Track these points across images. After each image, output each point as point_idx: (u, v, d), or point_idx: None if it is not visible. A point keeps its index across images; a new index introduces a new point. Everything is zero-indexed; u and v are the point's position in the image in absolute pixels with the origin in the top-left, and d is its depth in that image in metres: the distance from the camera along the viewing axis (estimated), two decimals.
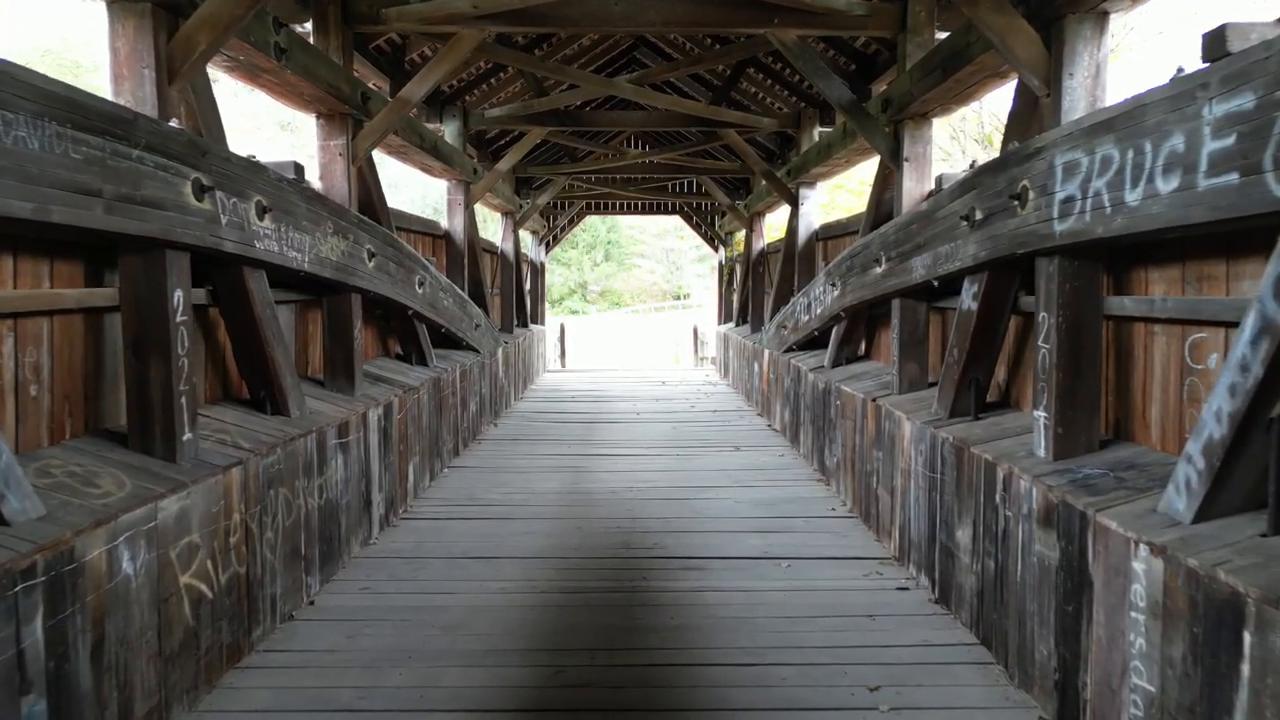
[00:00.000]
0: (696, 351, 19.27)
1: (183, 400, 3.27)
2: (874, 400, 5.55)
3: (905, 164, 5.40)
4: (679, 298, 53.33)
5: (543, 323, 17.42)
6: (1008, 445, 3.83)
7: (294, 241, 4.26)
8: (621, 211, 18.11)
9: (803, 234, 8.95)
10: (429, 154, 7.17)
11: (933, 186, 5.45)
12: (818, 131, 8.84)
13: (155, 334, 3.20)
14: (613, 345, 25.71)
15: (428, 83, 5.42)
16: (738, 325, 14.41)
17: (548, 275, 55.52)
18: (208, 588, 3.24)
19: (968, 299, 4.27)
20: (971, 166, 4.53)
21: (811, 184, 8.88)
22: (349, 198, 5.31)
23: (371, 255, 5.42)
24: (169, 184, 3.14)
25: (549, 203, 16.96)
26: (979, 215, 3.93)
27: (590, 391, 13.05)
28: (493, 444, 8.55)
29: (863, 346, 7.36)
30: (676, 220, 54.57)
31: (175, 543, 3.01)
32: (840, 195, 18.64)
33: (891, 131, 5.53)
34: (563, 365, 18.58)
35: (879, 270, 5.59)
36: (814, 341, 8.31)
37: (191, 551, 3.12)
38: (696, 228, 18.06)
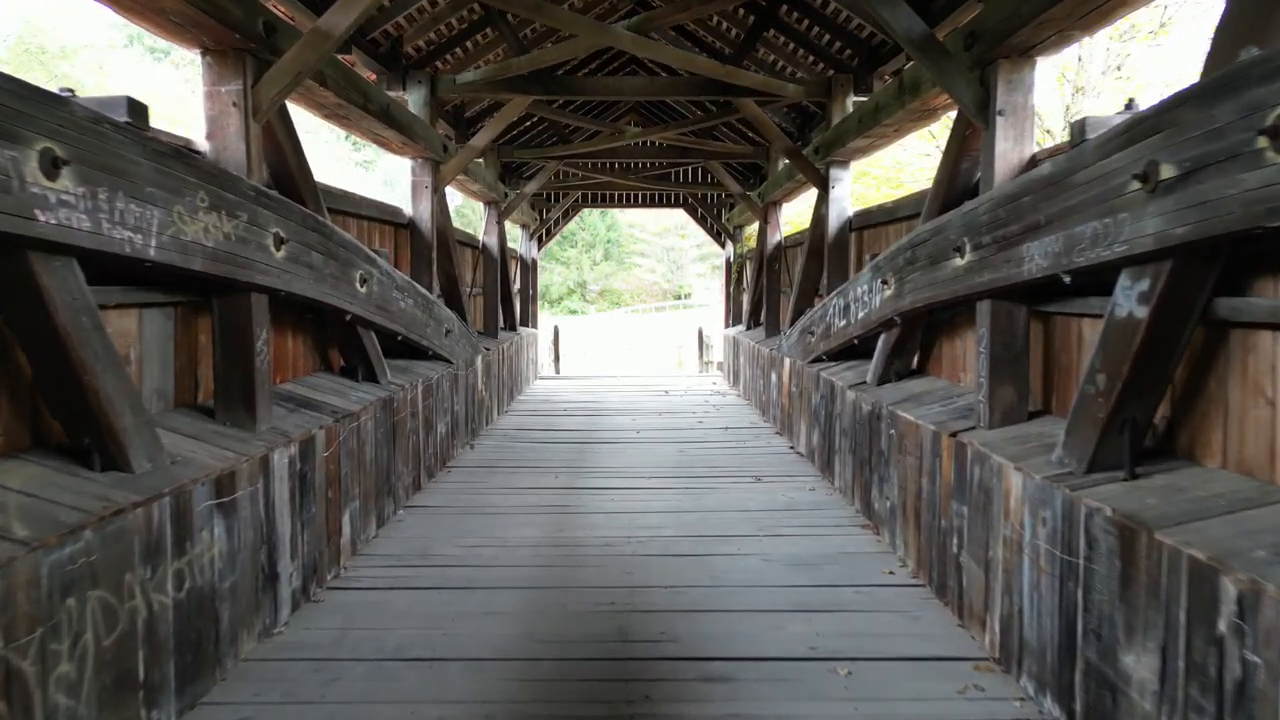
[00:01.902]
0: (702, 356, 17.87)
1: None
2: (953, 435, 4.16)
3: (999, 119, 4.01)
4: (680, 297, 52.08)
5: (535, 325, 16.02)
6: (1219, 532, 2.44)
7: (128, 216, 2.86)
8: (620, 204, 16.71)
9: (833, 223, 7.55)
10: (379, 120, 5.77)
11: (1035, 150, 4.06)
12: (851, 101, 7.45)
13: None
14: (612, 348, 24.30)
15: (357, 7, 4.02)
16: (749, 329, 13.01)
17: (546, 274, 54.17)
18: None
19: (1128, 301, 2.88)
20: (1128, 107, 3.14)
21: (844, 163, 7.48)
22: (247, 163, 3.91)
23: (281, 242, 4.02)
24: None
25: (540, 193, 15.57)
26: (1169, 173, 2.53)
27: (585, 403, 11.66)
28: (465, 473, 7.15)
29: (915, 359, 5.96)
30: (677, 219, 53.36)
31: None
32: (860, 185, 17.18)
33: (978, 76, 4.14)
34: (556, 371, 17.18)
35: (960, 262, 4.19)
36: (849, 350, 6.92)
37: None
38: (702, 221, 16.66)
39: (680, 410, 10.97)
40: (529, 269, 15.22)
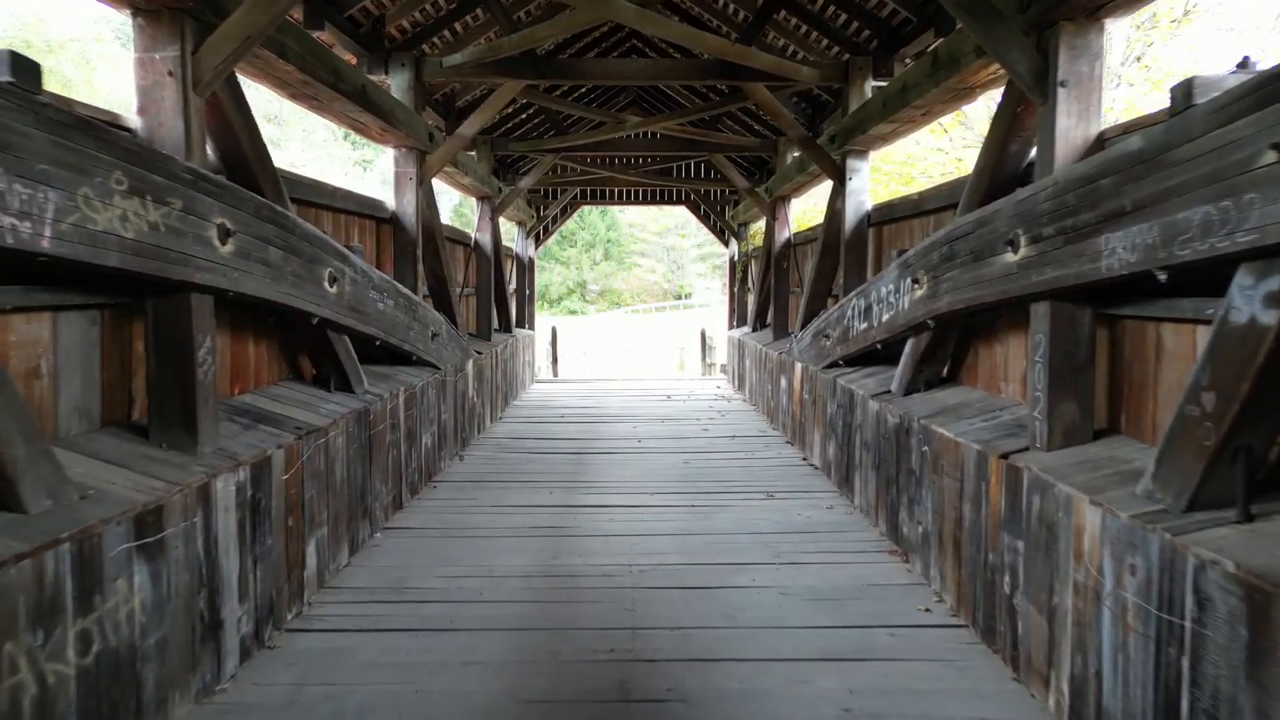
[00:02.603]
0: (705, 358, 17.30)
1: None
2: (1004, 458, 3.61)
3: (1060, 91, 3.45)
4: (681, 298, 51.57)
5: (532, 326, 15.47)
6: None
7: (10, 198, 2.31)
8: (619, 201, 16.13)
9: (850, 217, 7.00)
10: (353, 102, 5.21)
11: (1104, 129, 3.50)
12: (870, 86, 6.89)
13: None
14: (612, 349, 23.74)
15: None
16: (754, 330, 12.46)
17: (545, 274, 53.71)
18: None
19: (1249, 304, 2.32)
20: (1242, 65, 2.58)
21: (863, 152, 6.93)
22: (186, 142, 3.36)
23: (227, 234, 3.47)
24: None
25: (537, 189, 15.02)
26: None
27: (583, 409, 11.10)
28: (452, 489, 6.59)
29: (945, 367, 5.40)
30: (678, 218, 52.71)
31: None
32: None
33: (1034, 41, 3.58)
34: (554, 374, 16.63)
35: (1012, 258, 3.64)
36: (869, 356, 6.37)
37: None
38: (705, 219, 16.09)
39: (684, 416, 10.42)
40: (525, 268, 14.66)
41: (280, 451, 3.89)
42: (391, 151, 6.85)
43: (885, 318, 5.46)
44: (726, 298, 24.78)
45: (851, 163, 6.97)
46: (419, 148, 6.78)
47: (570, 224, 51.62)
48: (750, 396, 11.65)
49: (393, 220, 6.82)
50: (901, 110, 5.38)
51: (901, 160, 15.60)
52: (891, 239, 6.71)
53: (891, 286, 5.33)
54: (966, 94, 4.88)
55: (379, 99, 5.68)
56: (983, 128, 16.57)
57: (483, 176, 9.46)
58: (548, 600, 4.28)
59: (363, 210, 6.27)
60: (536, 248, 15.98)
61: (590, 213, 51.89)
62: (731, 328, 15.45)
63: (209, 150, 3.87)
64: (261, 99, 40.85)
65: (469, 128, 7.04)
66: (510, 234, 14.99)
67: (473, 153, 10.47)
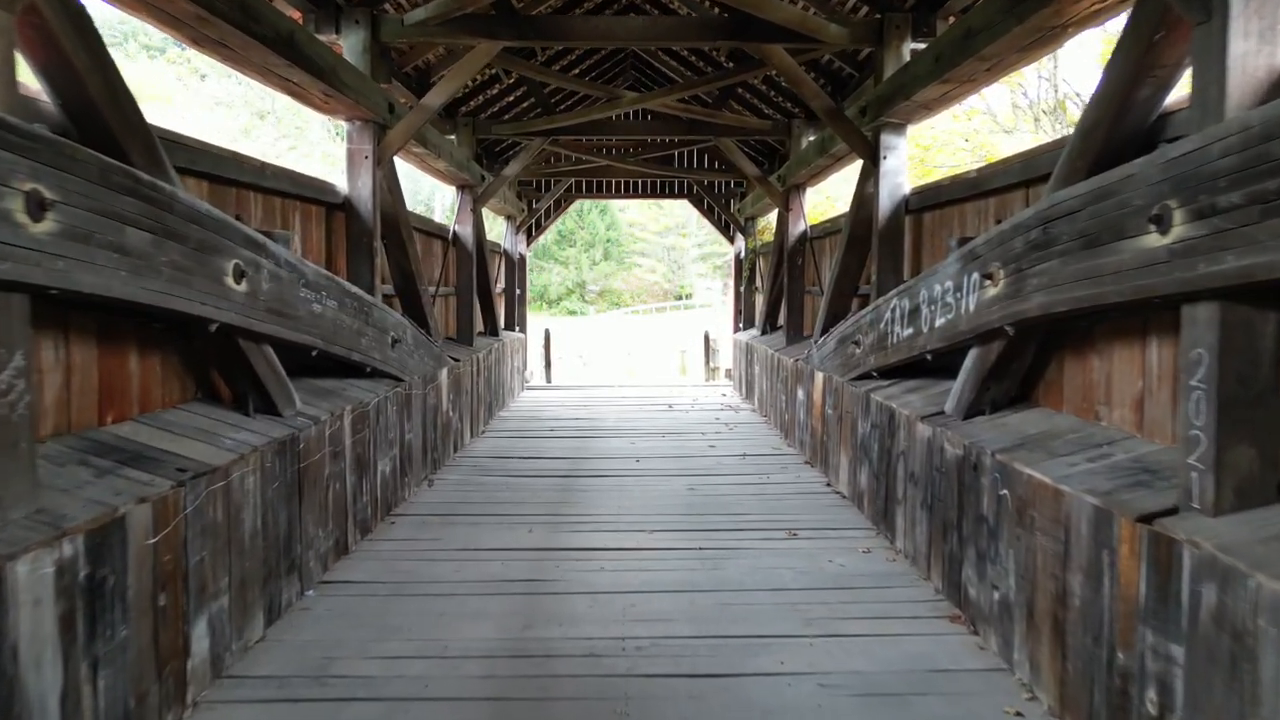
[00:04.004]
0: (708, 362, 16.25)
1: None
2: (1143, 521, 2.57)
3: (1234, 4, 2.41)
4: (681, 298, 50.59)
5: (523, 329, 14.42)
6: None
7: None
8: (617, 194, 15.09)
9: (885, 203, 5.95)
10: (279, 54, 4.15)
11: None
12: (909, 48, 5.84)
13: None
14: (611, 352, 22.67)
15: None
16: (764, 333, 11.42)
17: (544, 274, 53.03)
18: None
19: None
20: None
21: (900, 126, 5.88)
22: None
23: (42, 206, 2.43)
24: None
25: (527, 181, 13.98)
26: None
27: (576, 420, 10.05)
28: (414, 524, 5.55)
29: (1018, 384, 4.35)
30: (678, 217, 51.77)
31: None
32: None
33: None
34: (548, 380, 15.57)
35: (1158, 242, 2.59)
36: (910, 366, 5.33)
37: None
38: (708, 213, 15.03)
39: (687, 430, 9.37)
40: (516, 266, 13.60)
41: (144, 507, 2.84)
42: (344, 125, 5.81)
43: (940, 322, 4.42)
44: (731, 298, 23.73)
45: (887, 139, 5.92)
46: (376, 120, 5.73)
47: (569, 223, 50.73)
48: (760, 406, 10.60)
49: (345, 207, 5.78)
50: (963, 64, 4.31)
51: (915, 149, 14.48)
52: (936, 228, 5.67)
53: (949, 284, 4.29)
54: (1055, 36, 3.81)
55: (315, 53, 4.62)
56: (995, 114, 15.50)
57: (461, 162, 8.40)
58: (513, 697, 3.24)
59: (304, 193, 5.23)
60: (528, 244, 14.94)
61: (589, 212, 50.93)
62: (737, 330, 14.40)
63: (51, 103, 2.84)
64: (250, 92, 39.73)
65: (435, 96, 5.99)
66: (497, 228, 13.97)
67: (452, 136, 9.44)
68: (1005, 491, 3.54)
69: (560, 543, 5.14)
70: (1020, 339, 3.83)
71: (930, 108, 5.36)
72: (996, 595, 3.60)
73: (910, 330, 4.92)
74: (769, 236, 13.46)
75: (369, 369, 5.51)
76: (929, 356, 4.77)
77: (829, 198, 17.84)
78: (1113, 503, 2.78)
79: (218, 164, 4.12)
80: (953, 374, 5.08)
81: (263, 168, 4.63)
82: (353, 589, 4.37)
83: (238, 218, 4.01)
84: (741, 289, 14.25)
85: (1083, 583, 2.92)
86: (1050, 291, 3.27)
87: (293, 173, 5.07)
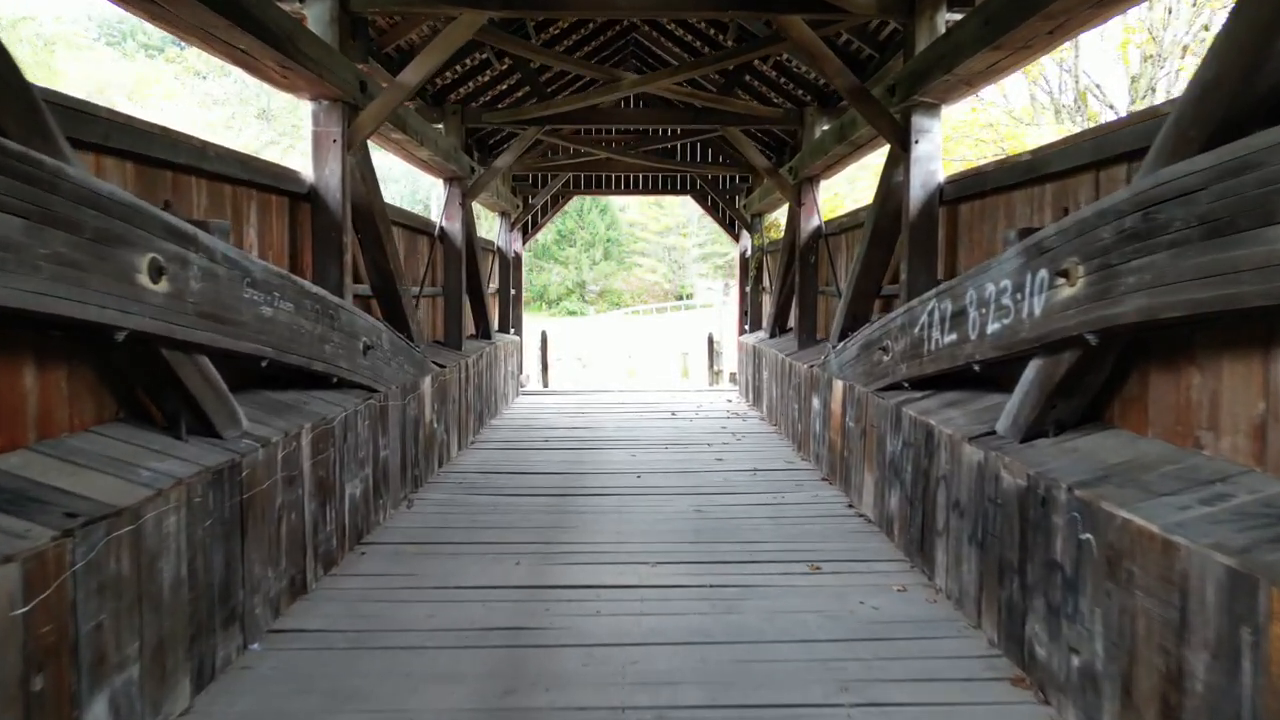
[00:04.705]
0: (712, 366, 15.60)
1: None
2: None
3: None
4: (682, 298, 49.99)
5: (519, 331, 13.79)
6: None
7: None
8: (617, 190, 14.45)
9: (917, 193, 5.32)
10: (221, 14, 3.52)
11: None
12: (945, 19, 5.21)
13: None
14: (611, 354, 22.02)
15: None
16: (772, 336, 10.78)
17: (544, 274, 52.42)
18: None
19: None
20: None
21: (934, 107, 5.24)
22: None
23: None
24: None
25: (523, 176, 13.34)
26: None
27: (573, 430, 9.41)
28: (386, 556, 4.91)
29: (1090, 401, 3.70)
30: (679, 217, 51.24)
31: None
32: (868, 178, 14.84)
33: None
34: (545, 384, 14.93)
35: None
36: (947, 377, 4.71)
37: None
38: (713, 209, 14.38)
39: (692, 440, 8.73)
40: (510, 265, 12.96)
41: (8, 569, 2.21)
42: (309, 107, 5.18)
43: (995, 328, 3.78)
44: (733, 298, 23.08)
45: (919, 121, 5.29)
46: (345, 99, 5.10)
47: (569, 223, 50.11)
48: (769, 414, 9.96)
49: (309, 196, 5.14)
50: (1022, 25, 3.65)
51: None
52: (976, 221, 5.04)
53: (1006, 284, 3.65)
54: None
55: (267, 16, 3.98)
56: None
57: (448, 151, 7.76)
58: None
59: (259, 179, 4.59)
60: (524, 242, 14.30)
61: (590, 211, 50.35)
62: (743, 332, 13.76)
63: None
64: (257, 92, 38.87)
65: (414, 72, 5.36)
66: (488, 224, 13.36)
67: (439, 125, 8.81)
68: (1088, 536, 2.91)
69: (551, 578, 4.51)
70: (1101, 349, 3.19)
71: (973, 83, 4.71)
72: (1076, 661, 2.97)
73: (953, 336, 4.28)
74: (776, 234, 12.82)
75: (335, 379, 4.87)
76: (976, 367, 4.13)
77: (837, 195, 17.20)
78: (1255, 565, 2.15)
79: (143, 141, 3.49)
80: (996, 385, 4.46)
81: (203, 148, 3.99)
82: (307, 640, 3.73)
83: (166, 205, 3.39)
84: (747, 289, 13.62)
85: (1209, 664, 2.29)
86: (1155, 293, 2.63)
87: (244, 155, 4.43)
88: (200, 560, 3.21)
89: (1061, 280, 3.17)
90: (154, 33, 43.69)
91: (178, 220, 3.19)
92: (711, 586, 4.40)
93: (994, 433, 3.92)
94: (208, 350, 3.49)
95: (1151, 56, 14.30)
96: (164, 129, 3.70)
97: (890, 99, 5.41)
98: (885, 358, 5.38)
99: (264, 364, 3.96)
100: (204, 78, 42.38)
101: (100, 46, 42.04)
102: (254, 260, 3.79)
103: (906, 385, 5.14)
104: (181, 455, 3.32)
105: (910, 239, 5.36)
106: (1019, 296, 3.55)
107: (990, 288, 3.82)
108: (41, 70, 24.72)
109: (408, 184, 43.85)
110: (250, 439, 3.75)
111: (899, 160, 5.56)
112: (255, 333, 3.79)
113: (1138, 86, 14.54)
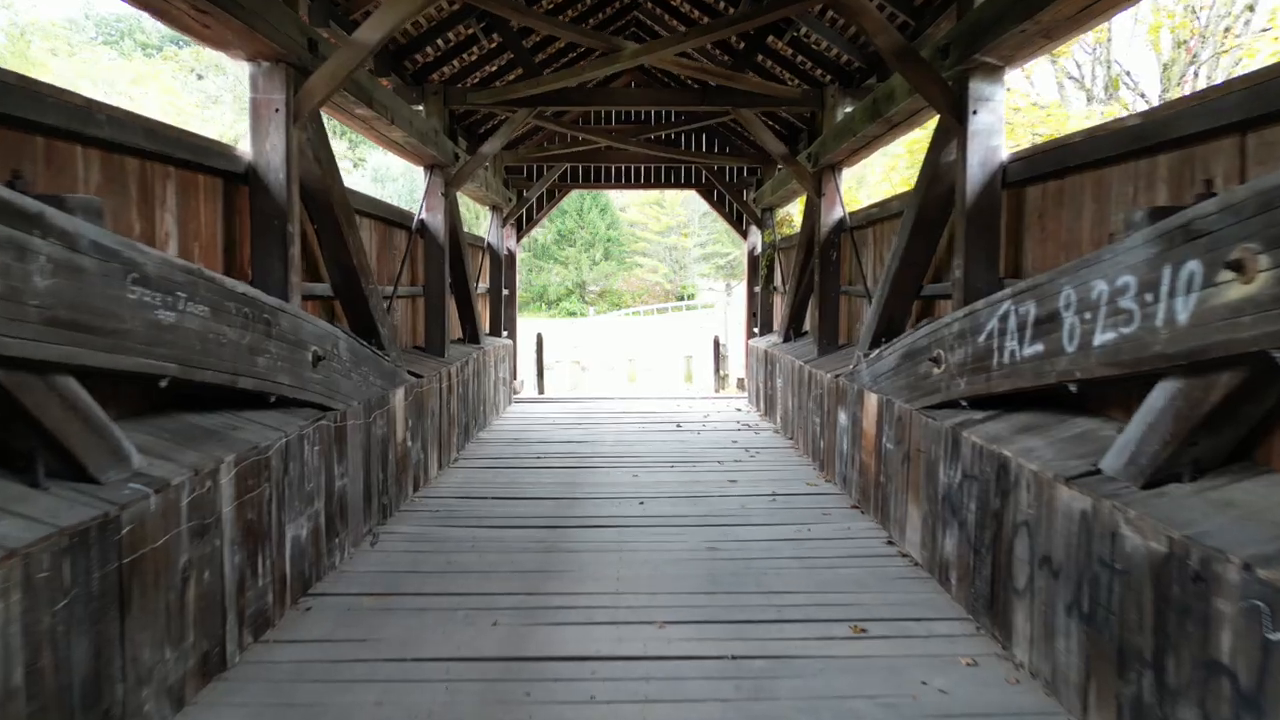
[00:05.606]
0: (718, 370, 14.73)
1: None
2: None
3: None
4: (683, 299, 49.12)
5: (512, 333, 12.92)
6: None
7: None
8: (616, 183, 13.55)
9: (975, 174, 4.45)
10: None
11: None
12: None
13: None
14: (611, 356, 21.14)
15: None
16: (786, 340, 9.91)
17: (543, 274, 51.53)
18: None
19: None
20: None
21: (997, 70, 4.37)
22: None
23: None
24: None
25: (517, 168, 12.48)
26: None
27: (569, 445, 8.54)
28: (334, 614, 4.03)
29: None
30: (681, 217, 50.34)
31: None
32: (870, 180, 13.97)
33: None
34: (540, 390, 14.05)
35: None
36: (1019, 395, 3.84)
37: None
38: (719, 204, 13.49)
39: (700, 456, 7.86)
40: (503, 263, 12.09)
41: None
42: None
43: (1107, 338, 2.91)
44: (737, 299, 22.16)
45: (978, 87, 4.41)
46: (288, 59, 4.23)
47: (569, 222, 49.18)
48: (784, 427, 9.08)
49: (248, 175, 4.27)
50: None
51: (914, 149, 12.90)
52: (1050, 206, 4.17)
53: (1128, 280, 2.78)
54: None
55: None
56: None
57: (426, 133, 6.89)
58: None
59: (177, 153, 3.71)
60: (518, 239, 13.43)
61: (590, 210, 49.48)
62: (752, 335, 12.88)
63: None
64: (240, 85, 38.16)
65: (373, 29, 4.47)
66: (478, 219, 12.48)
67: (419, 107, 7.94)
68: (1279, 636, 2.05)
69: (534, 645, 3.64)
70: (1268, 372, 2.32)
71: (1052, 35, 3.82)
72: None
73: (1038, 348, 3.41)
74: (788, 230, 11.95)
75: (274, 398, 4.01)
76: (1072, 387, 3.26)
77: (848, 187, 16.29)
78: None
79: (26, 105, 2.62)
80: (1082, 408, 3.60)
81: (88, 106, 3.11)
82: None
83: (15, 176, 2.52)
84: (757, 289, 12.74)
85: None
86: None
87: (153, 121, 3.55)
88: (47, 658, 2.35)
89: (1232, 275, 2.30)
90: (152, 33, 42.82)
91: (11, 194, 2.32)
92: (734, 659, 3.53)
93: (1098, 471, 3.05)
94: (72, 369, 2.63)
95: (1184, 43, 13.44)
96: (27, 80, 2.83)
97: (941, 61, 4.54)
98: (936, 370, 4.51)
99: (162, 384, 3.09)
100: (200, 77, 41.57)
101: (97, 46, 41.20)
102: (145, 251, 2.92)
103: (964, 404, 4.28)
104: (25, 511, 2.45)
105: (967, 229, 4.49)
106: (1149, 298, 2.68)
107: (1100, 286, 2.95)
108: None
109: (406, 182, 42.93)
110: (140, 481, 2.88)
111: (950, 135, 4.69)
112: (146, 344, 2.92)
113: (1170, 75, 13.69)
